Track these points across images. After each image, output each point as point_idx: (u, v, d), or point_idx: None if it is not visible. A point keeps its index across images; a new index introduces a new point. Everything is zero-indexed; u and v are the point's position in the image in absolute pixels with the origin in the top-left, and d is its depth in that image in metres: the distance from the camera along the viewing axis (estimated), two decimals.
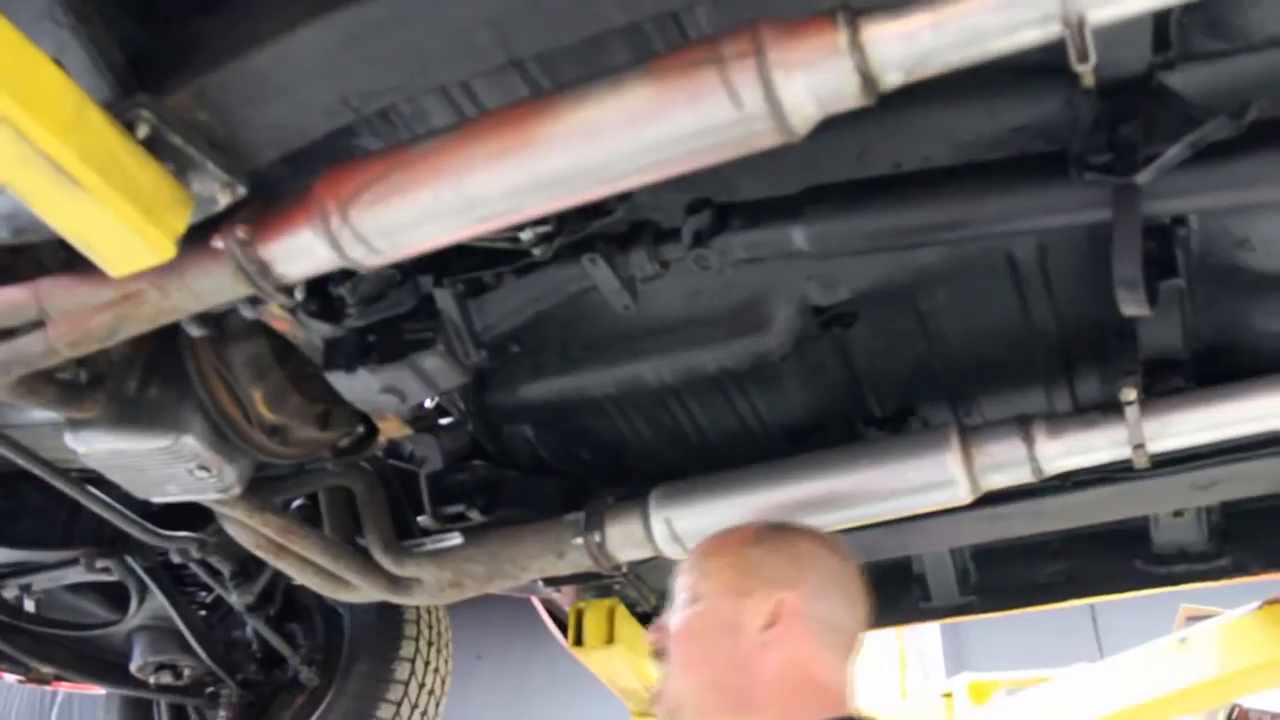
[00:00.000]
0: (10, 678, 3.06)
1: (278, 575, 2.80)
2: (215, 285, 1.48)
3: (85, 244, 1.33)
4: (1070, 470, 1.91)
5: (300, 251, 1.43)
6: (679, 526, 2.00)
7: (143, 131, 1.31)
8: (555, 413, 2.18)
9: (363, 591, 2.26)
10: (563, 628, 2.93)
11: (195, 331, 1.70)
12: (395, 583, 2.21)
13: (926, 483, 1.90)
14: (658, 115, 1.26)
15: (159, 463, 1.95)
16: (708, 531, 2.00)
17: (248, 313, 1.67)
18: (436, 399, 2.19)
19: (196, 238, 1.45)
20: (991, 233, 1.71)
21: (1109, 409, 1.84)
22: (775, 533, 1.77)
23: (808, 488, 1.95)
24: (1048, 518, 2.21)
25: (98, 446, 1.94)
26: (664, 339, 2.04)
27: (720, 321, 2.02)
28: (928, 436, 1.92)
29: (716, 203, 1.76)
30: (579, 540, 2.04)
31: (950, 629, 5.82)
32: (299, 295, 1.53)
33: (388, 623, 2.96)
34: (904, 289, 1.96)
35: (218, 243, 1.44)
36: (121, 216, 1.28)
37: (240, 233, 1.43)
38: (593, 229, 1.74)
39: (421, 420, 2.13)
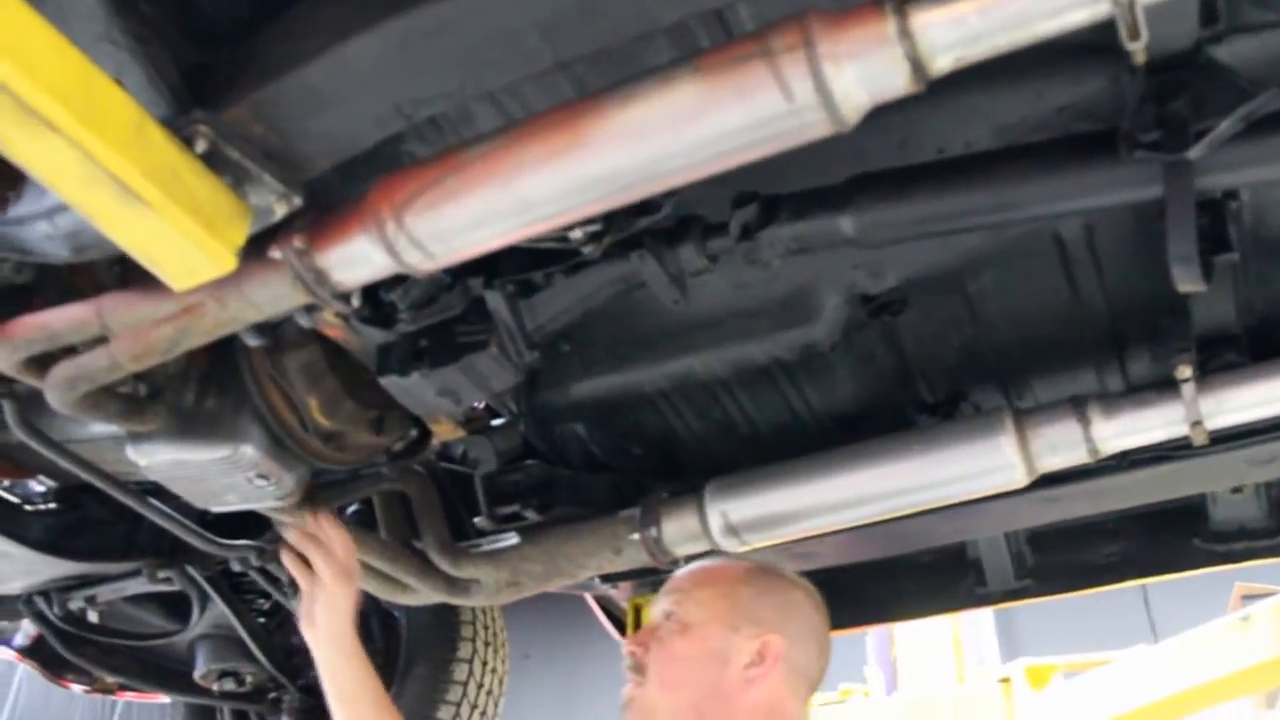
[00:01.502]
0: (77, 688, 3.12)
1: None
2: (273, 295, 1.50)
3: (149, 259, 1.35)
4: (1127, 450, 1.90)
5: (356, 259, 1.44)
6: (735, 519, 2.01)
7: (201, 146, 1.33)
8: (606, 410, 2.19)
9: (421, 594, 2.28)
10: (618, 624, 2.96)
11: (252, 341, 1.72)
12: (453, 584, 2.23)
13: (982, 467, 1.89)
14: (707, 111, 1.26)
15: (219, 472, 1.97)
16: (764, 523, 2.02)
17: (303, 321, 1.69)
18: (488, 401, 2.21)
19: (253, 249, 1.47)
20: (1039, 215, 1.71)
21: (1164, 387, 1.83)
22: (766, 576, 1.89)
23: (863, 476, 1.95)
24: (1105, 498, 2.20)
25: (159, 458, 1.97)
26: (713, 332, 2.05)
27: (769, 313, 2.02)
28: (982, 421, 1.91)
29: (763, 195, 1.76)
30: (635, 536, 2.05)
31: (1002, 614, 5.79)
32: (355, 302, 1.54)
33: (444, 624, 2.98)
34: (951, 274, 1.96)
35: (275, 253, 1.45)
36: (183, 230, 1.30)
37: (297, 242, 1.44)
38: (641, 226, 1.75)
39: (474, 422, 2.15)
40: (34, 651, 3.07)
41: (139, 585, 2.65)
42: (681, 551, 2.08)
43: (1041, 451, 1.87)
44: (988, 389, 2.20)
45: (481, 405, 2.21)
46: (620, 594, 2.50)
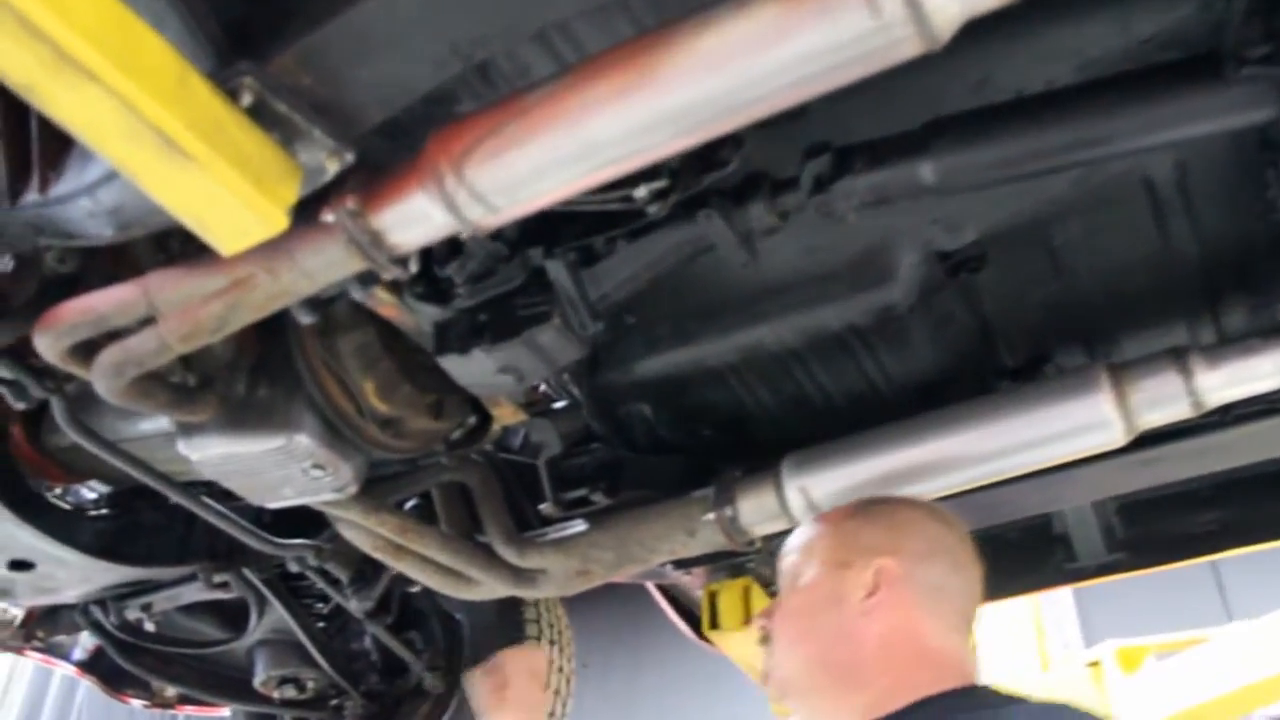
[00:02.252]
0: (136, 702, 3.05)
1: (393, 583, 2.75)
2: (327, 262, 1.42)
3: (196, 221, 1.28)
4: (1231, 403, 1.78)
5: (414, 218, 1.36)
6: (815, 494, 1.91)
7: (246, 99, 1.24)
8: (673, 388, 2.09)
9: (486, 587, 2.19)
10: (688, 619, 2.85)
11: (305, 319, 1.64)
12: (519, 575, 2.14)
13: (1077, 426, 1.78)
14: (787, 34, 1.17)
15: (273, 464, 1.89)
16: (847, 496, 1.91)
17: (357, 294, 1.60)
18: (549, 384, 2.11)
19: (305, 214, 1.39)
20: (1132, 148, 1.60)
21: (1270, 333, 1.71)
22: (872, 504, 1.74)
23: (950, 442, 1.84)
24: (1208, 457, 2.07)
25: (211, 452, 1.90)
26: (783, 300, 1.95)
27: (841, 276, 1.92)
28: (1075, 377, 1.81)
29: (835, 146, 1.67)
30: (710, 516, 1.95)
31: (1073, 597, 5.58)
32: (413, 267, 1.46)
33: (508, 624, 2.89)
34: (1034, 225, 1.86)
35: (328, 216, 1.37)
36: (231, 188, 1.22)
37: (350, 203, 1.36)
38: (708, 183, 1.66)
39: (536, 405, 2.06)
40: (92, 665, 3.01)
41: (195, 592, 2.58)
42: (759, 531, 1.98)
43: (1141, 407, 1.75)
44: (1072, 350, 2.09)
45: (542, 387, 2.11)
46: (694, 581, 2.40)
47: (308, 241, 1.41)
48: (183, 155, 1.18)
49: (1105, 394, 1.75)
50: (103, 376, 1.60)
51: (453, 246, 1.74)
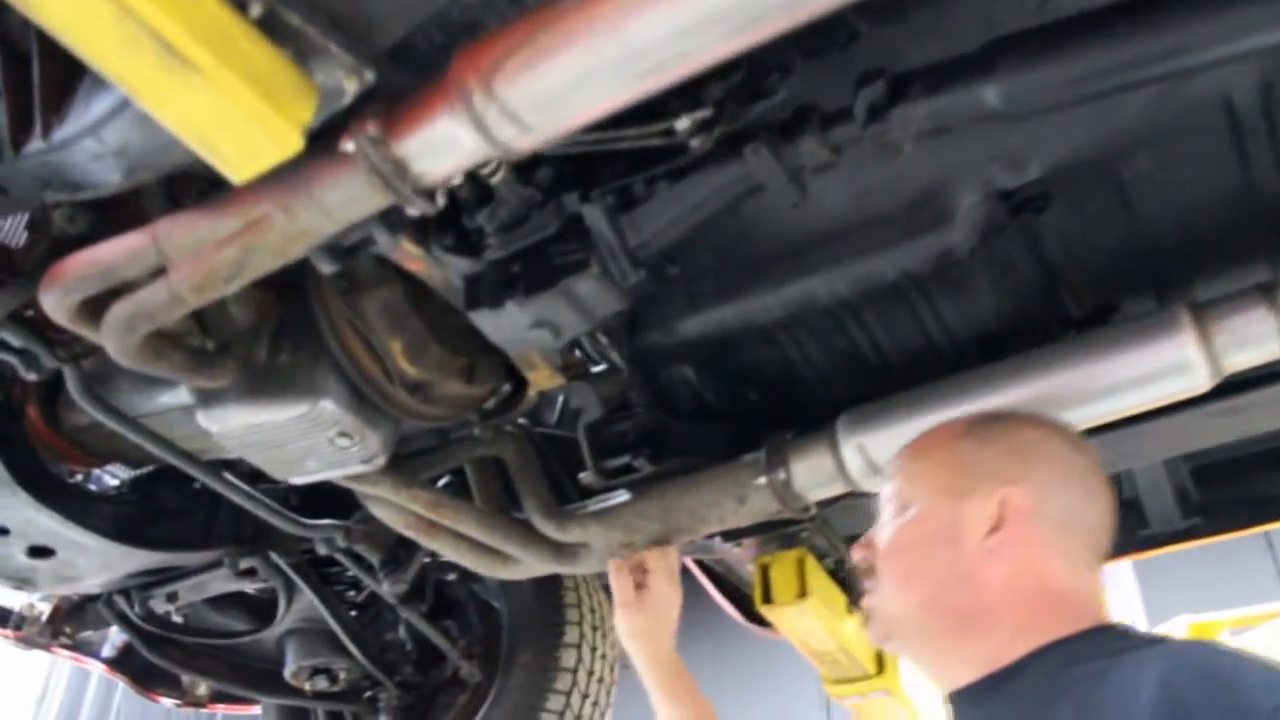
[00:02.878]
0: (168, 701, 2.96)
1: (427, 569, 2.64)
2: (347, 197, 1.31)
3: (203, 142, 1.17)
4: None
5: (441, 142, 1.25)
6: (875, 453, 1.78)
7: (256, 10, 1.14)
8: (718, 348, 1.97)
9: (525, 565, 2.08)
10: (733, 600, 2.73)
11: (326, 268, 1.53)
12: (560, 550, 2.02)
13: (1156, 371, 1.65)
14: None
15: (297, 433, 1.79)
16: None
17: (381, 238, 1.50)
18: (585, 347, 1.99)
19: (322, 144, 1.29)
20: (1214, 57, 1.46)
21: None
22: (990, 423, 1.51)
23: (1019, 392, 1.71)
24: None
25: (231, 422, 1.80)
26: (834, 248, 1.82)
27: (896, 220, 1.79)
28: (1153, 317, 1.67)
29: (890, 72, 1.55)
30: (762, 480, 1.83)
31: (1134, 572, 5.33)
32: (440, 201, 1.34)
33: (547, 608, 2.77)
34: (1102, 159, 1.72)
35: (347, 145, 1.27)
36: (241, 103, 1.12)
37: (371, 129, 1.25)
38: (754, 114, 1.54)
39: (573, 369, 1.94)
40: (122, 662, 2.92)
41: (221, 582, 2.49)
42: (814, 495, 1.86)
43: (1227, 347, 1.62)
44: (1142, 298, 1.95)
45: (579, 351, 1.99)
46: (744, 554, 2.27)
47: (326, 174, 1.30)
48: (186, 66, 1.08)
49: (1187, 334, 1.62)
50: (113, 334, 1.50)
51: (482, 193, 1.64)
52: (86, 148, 1.38)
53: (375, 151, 1.26)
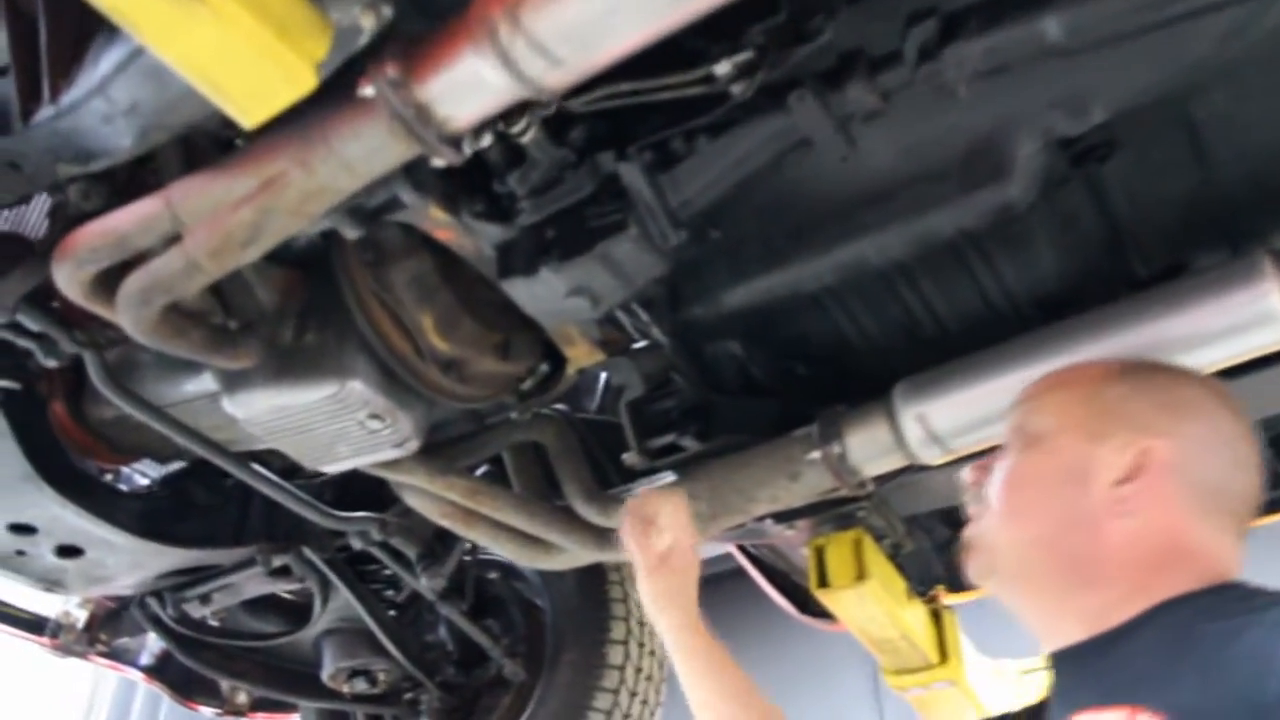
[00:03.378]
0: (207, 710, 2.89)
1: (467, 567, 2.56)
2: (368, 147, 1.23)
3: (211, 83, 1.09)
4: None
5: (466, 83, 1.17)
6: (936, 423, 1.68)
7: None
8: (765, 320, 1.87)
9: (567, 553, 1.99)
10: (784, 591, 2.62)
11: (350, 232, 1.46)
12: (603, 537, 1.93)
13: (1236, 324, 1.54)
14: None
15: (326, 416, 1.71)
16: (974, 424, 1.69)
17: (407, 196, 1.42)
18: (625, 322, 1.89)
19: (339, 93, 1.21)
20: None
21: None
22: (1147, 371, 1.38)
23: (1091, 350, 1.59)
24: None
25: (257, 406, 1.72)
26: (886, 207, 1.72)
27: (950, 174, 1.68)
28: (1231, 266, 1.56)
29: (943, 10, 1.45)
30: (815, 455, 1.73)
31: None
32: (467, 149, 1.26)
33: (593, 603, 2.67)
34: (1171, 100, 1.60)
35: (366, 90, 1.19)
36: (250, 38, 1.04)
37: (391, 71, 1.17)
38: (798, 58, 1.45)
39: (613, 344, 1.85)
40: (160, 670, 2.86)
41: (255, 583, 2.42)
42: (871, 470, 1.76)
43: None
44: (1214, 255, 1.83)
45: (618, 322, 1.89)
46: (798, 536, 2.17)
47: (345, 124, 1.22)
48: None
49: (1272, 281, 1.50)
50: (129, 308, 1.43)
51: (513, 155, 1.55)
52: (96, 109, 1.32)
53: (396, 96, 1.18)
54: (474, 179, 1.58)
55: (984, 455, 1.41)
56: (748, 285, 1.83)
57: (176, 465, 2.35)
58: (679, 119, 1.54)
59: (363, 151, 1.23)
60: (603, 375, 2.42)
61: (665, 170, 1.56)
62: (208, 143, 1.54)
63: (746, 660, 1.63)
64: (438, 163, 1.26)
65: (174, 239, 1.36)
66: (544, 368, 1.91)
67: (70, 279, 1.43)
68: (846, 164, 1.69)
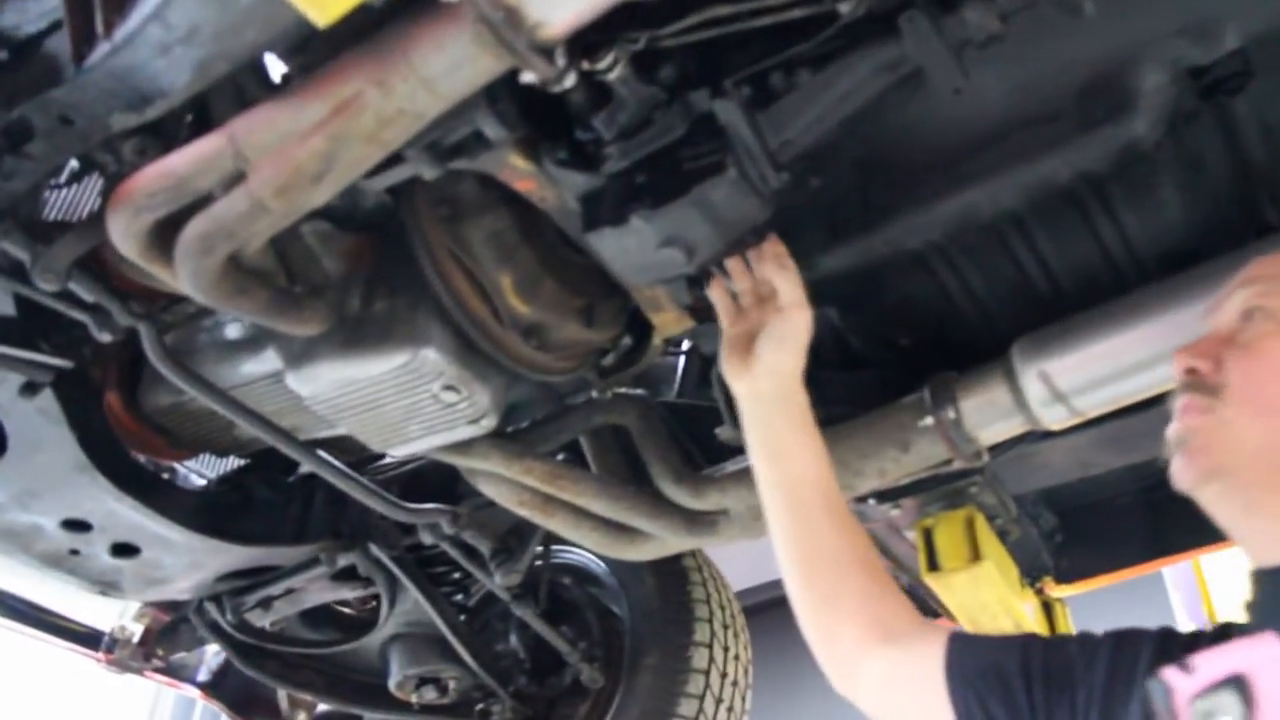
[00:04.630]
0: None
1: (540, 572, 2.42)
2: (452, 61, 1.11)
3: None
4: None
5: None
6: (1062, 381, 1.54)
7: None
8: (864, 284, 1.73)
9: (654, 542, 1.85)
10: None
11: (428, 172, 1.34)
12: (695, 521, 1.79)
13: None
14: None
15: (397, 389, 1.59)
16: (1104, 380, 1.54)
17: (490, 128, 1.30)
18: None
19: (419, 2, 1.10)
20: None
21: None
22: None
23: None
24: None
25: (324, 380, 1.61)
26: (997, 153, 1.58)
27: (1068, 112, 1.55)
28: None
29: None
30: (928, 421, 1.59)
31: None
32: (560, 60, 1.14)
33: (674, 605, 2.53)
34: None
35: None
36: None
37: None
38: None
39: (701, 311, 1.72)
40: (217, 686, 2.74)
41: (318, 590, 2.30)
42: (989, 436, 1.62)
43: None
44: None
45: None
46: (903, 517, 2.02)
47: (426, 35, 1.11)
48: None
49: None
50: (189, 259, 1.31)
51: (598, 95, 1.43)
52: (152, 37, 1.21)
53: None
54: (556, 126, 1.47)
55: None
56: (847, 246, 1.69)
57: (234, 463, 2.25)
58: (777, 50, 1.41)
59: (445, 66, 1.12)
60: (680, 361, 2.29)
61: (764, 108, 1.43)
62: (261, 90, 1.43)
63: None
64: (527, 77, 1.14)
65: (238, 179, 1.25)
66: (626, 341, 1.79)
67: (127, 230, 1.32)
68: (955, 105, 1.56)
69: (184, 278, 1.34)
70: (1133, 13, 1.45)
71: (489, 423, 1.67)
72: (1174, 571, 4.00)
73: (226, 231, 1.27)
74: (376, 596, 2.75)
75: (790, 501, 1.37)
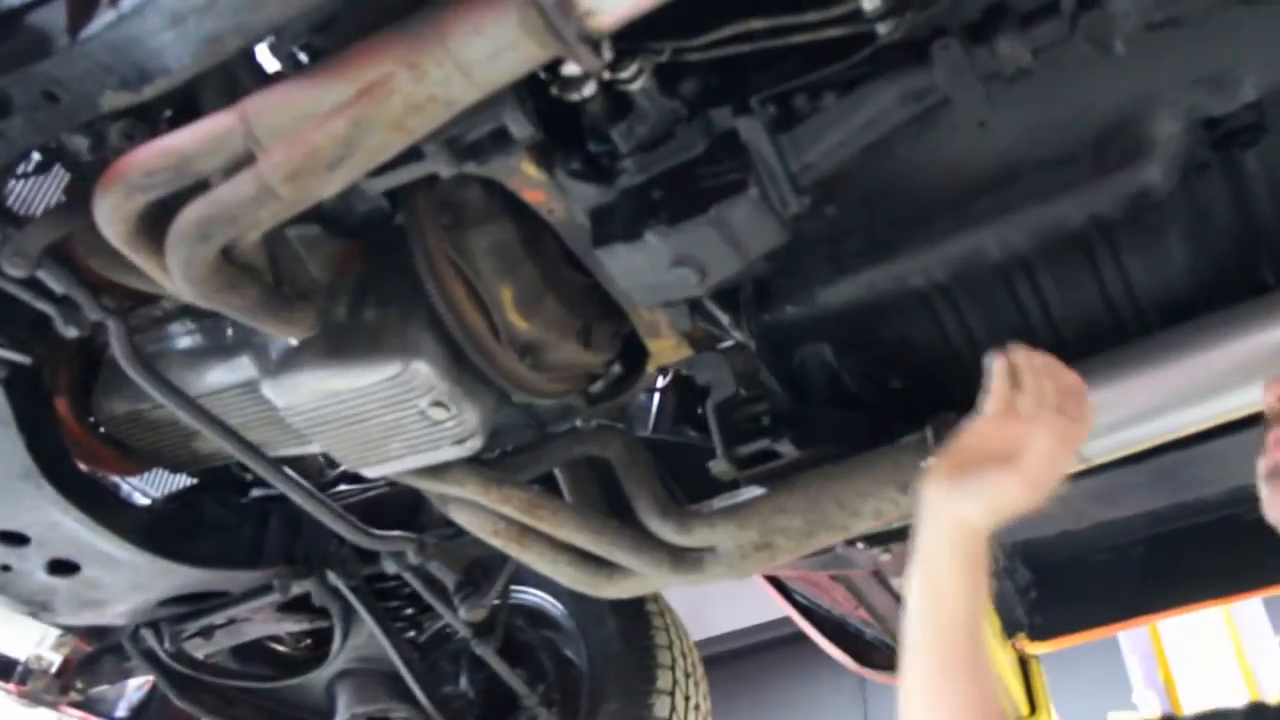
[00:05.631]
0: None
1: (498, 609, 2.33)
2: (493, 46, 1.06)
3: None
4: None
5: None
6: None
7: None
8: (863, 320, 1.70)
9: (633, 578, 1.78)
10: (838, 641, 2.41)
11: (445, 170, 1.27)
12: (680, 558, 1.72)
13: None
14: None
15: (382, 403, 1.52)
16: (1111, 426, 1.51)
17: (516, 126, 1.24)
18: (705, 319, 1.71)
19: None
20: None
21: None
22: None
23: (1250, 345, 1.44)
24: None
25: (305, 390, 1.52)
26: (1010, 193, 1.57)
27: (1083, 156, 1.54)
28: None
29: None
30: (930, 462, 1.54)
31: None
32: (607, 54, 1.09)
33: (637, 650, 2.44)
34: None
35: None
36: None
37: None
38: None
39: (699, 341, 1.67)
40: None
41: (262, 621, 2.18)
42: None
43: None
44: None
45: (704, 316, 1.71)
46: (892, 563, 1.96)
47: (467, 15, 1.06)
48: None
49: None
50: (184, 244, 1.23)
51: (618, 106, 1.38)
52: (167, 5, 1.14)
53: None
54: (570, 135, 1.42)
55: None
56: (849, 280, 1.66)
57: (182, 482, 2.13)
58: (804, 70, 1.38)
59: (485, 51, 1.06)
60: (655, 398, 2.23)
61: (787, 129, 1.40)
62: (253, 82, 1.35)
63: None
64: (570, 69, 1.10)
65: (246, 162, 1.18)
66: (616, 368, 1.73)
67: (115, 212, 1.23)
68: (967, 141, 1.55)
69: (174, 266, 1.25)
70: (1153, 59, 1.44)
71: (475, 444, 1.59)
72: (1129, 635, 4.00)
73: (228, 217, 1.19)
74: (313, 633, 2.64)
75: (938, 640, 1.22)
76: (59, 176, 1.75)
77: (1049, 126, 1.55)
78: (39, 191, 1.75)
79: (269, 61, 1.34)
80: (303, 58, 1.28)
